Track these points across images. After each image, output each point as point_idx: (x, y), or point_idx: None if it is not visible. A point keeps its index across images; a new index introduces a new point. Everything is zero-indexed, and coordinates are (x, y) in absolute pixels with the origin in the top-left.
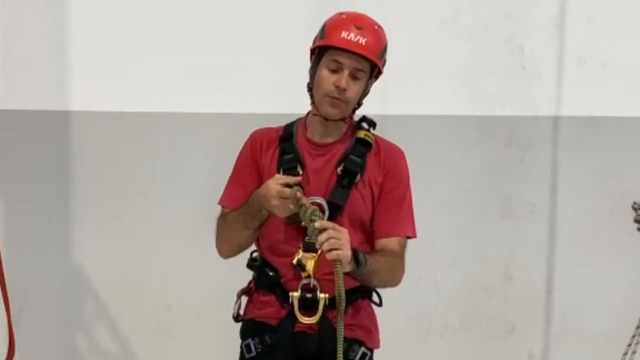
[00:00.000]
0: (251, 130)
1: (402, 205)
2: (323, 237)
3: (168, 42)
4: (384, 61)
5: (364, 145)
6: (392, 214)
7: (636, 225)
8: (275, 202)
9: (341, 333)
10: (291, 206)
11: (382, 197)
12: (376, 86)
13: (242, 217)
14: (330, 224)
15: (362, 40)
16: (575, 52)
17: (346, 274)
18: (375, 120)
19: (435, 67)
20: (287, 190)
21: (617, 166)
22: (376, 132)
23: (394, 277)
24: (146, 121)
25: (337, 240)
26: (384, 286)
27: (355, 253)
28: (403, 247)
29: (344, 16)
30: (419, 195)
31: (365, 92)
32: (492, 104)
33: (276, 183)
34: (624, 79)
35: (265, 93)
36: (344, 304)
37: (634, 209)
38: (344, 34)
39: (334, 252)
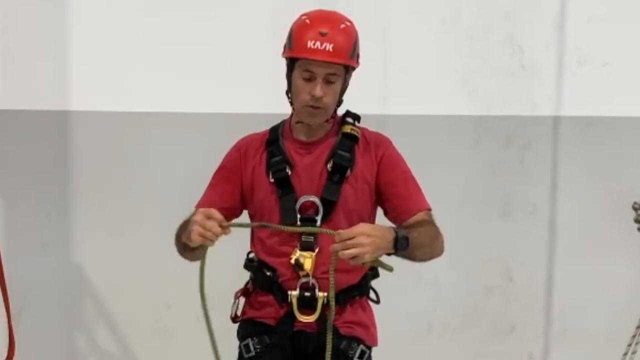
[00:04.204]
0: (252, 130)
1: (409, 183)
2: (337, 247)
3: (168, 42)
4: (358, 55)
5: (351, 140)
6: (405, 195)
7: (636, 225)
8: (196, 226)
9: (331, 323)
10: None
11: (386, 185)
12: (376, 86)
13: (180, 230)
14: (343, 236)
15: (329, 47)
16: (575, 52)
17: (391, 254)
18: (375, 120)
19: (435, 67)
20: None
21: (617, 166)
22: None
23: (437, 246)
24: (146, 121)
25: (353, 244)
26: (430, 257)
27: (395, 237)
28: (431, 217)
29: (308, 21)
30: None
31: (343, 89)
32: (492, 104)
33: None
34: (624, 79)
35: (266, 92)
36: (333, 297)
37: (634, 209)
38: (310, 44)
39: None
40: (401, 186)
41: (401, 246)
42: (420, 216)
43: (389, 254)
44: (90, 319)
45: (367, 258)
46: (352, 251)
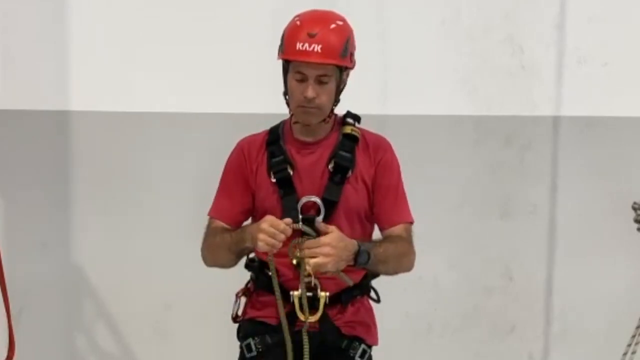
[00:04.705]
0: (252, 130)
1: (397, 194)
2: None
3: (168, 42)
4: (352, 54)
5: (352, 140)
6: (390, 204)
7: (636, 225)
8: (262, 234)
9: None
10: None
11: (378, 189)
12: (376, 86)
13: (230, 238)
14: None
15: (318, 48)
16: (575, 52)
17: (351, 266)
18: (375, 120)
19: (435, 67)
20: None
21: (617, 166)
22: (373, 129)
23: (404, 263)
24: (146, 121)
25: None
26: (395, 273)
27: (357, 250)
28: (409, 231)
29: (298, 22)
30: (419, 195)
31: (340, 89)
32: (492, 104)
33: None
34: (624, 79)
35: (266, 92)
36: (305, 299)
37: (634, 209)
38: (298, 46)
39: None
40: (390, 194)
41: (361, 260)
42: (398, 229)
43: (350, 266)
44: (90, 319)
45: (330, 268)
46: (317, 260)
